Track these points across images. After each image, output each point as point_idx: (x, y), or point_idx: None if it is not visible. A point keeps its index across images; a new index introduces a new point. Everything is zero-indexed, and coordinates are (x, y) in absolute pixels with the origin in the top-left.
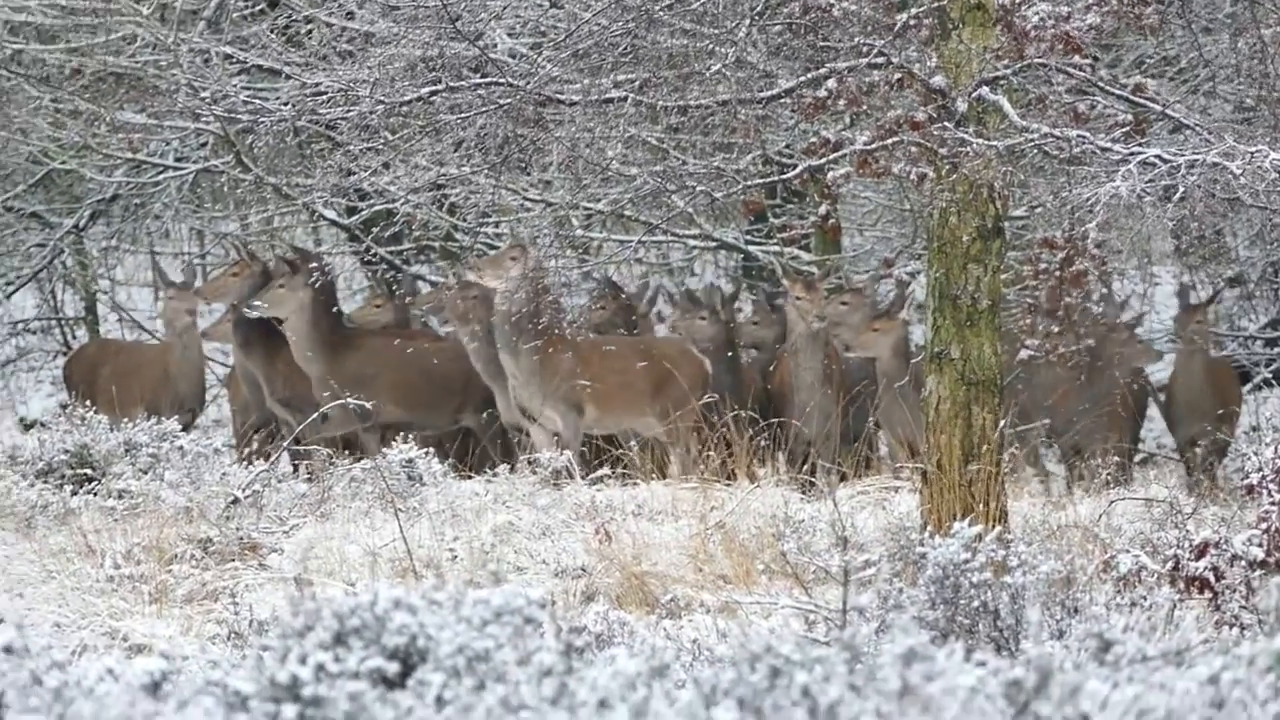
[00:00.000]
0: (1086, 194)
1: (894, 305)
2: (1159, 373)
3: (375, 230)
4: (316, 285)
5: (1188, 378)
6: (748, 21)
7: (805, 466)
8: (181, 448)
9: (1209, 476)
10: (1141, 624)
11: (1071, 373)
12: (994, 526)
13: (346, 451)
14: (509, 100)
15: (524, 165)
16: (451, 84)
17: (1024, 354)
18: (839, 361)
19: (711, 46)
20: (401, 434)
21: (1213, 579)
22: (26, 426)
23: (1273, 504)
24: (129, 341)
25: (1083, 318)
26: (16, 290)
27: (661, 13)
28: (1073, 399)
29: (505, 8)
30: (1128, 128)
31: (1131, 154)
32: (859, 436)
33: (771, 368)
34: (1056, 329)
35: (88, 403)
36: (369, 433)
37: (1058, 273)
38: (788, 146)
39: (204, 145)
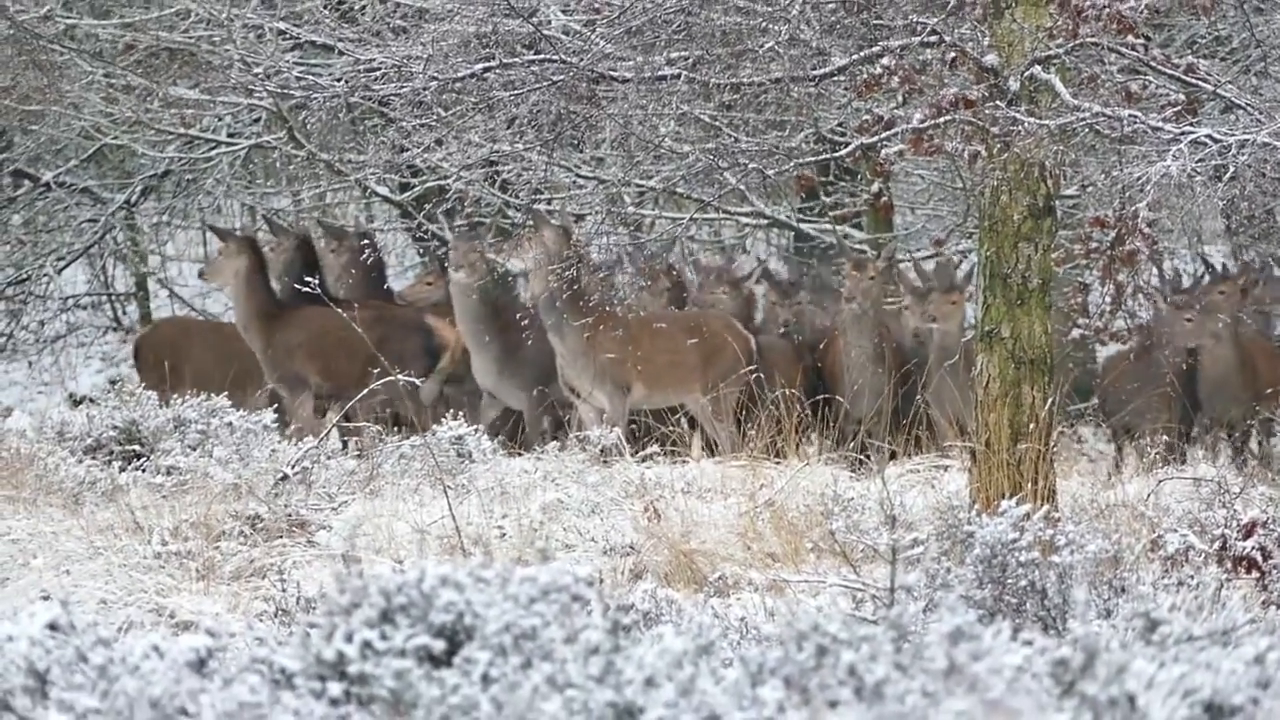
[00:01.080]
0: (1137, 173)
1: (964, 279)
2: None
3: (427, 207)
4: (273, 256)
5: (1213, 355)
6: None
7: (853, 444)
8: (230, 424)
9: (1260, 456)
10: (1188, 604)
11: (1123, 352)
12: (1042, 505)
13: (397, 428)
14: (562, 77)
15: (576, 142)
16: (505, 60)
17: (1075, 333)
18: (890, 340)
19: (764, 24)
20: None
21: (1260, 559)
22: (75, 402)
23: None
24: (209, 320)
25: (1137, 297)
26: (67, 265)
27: None
28: (1125, 379)
29: None
30: (1179, 107)
31: (1183, 133)
32: (909, 415)
33: (822, 345)
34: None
35: (165, 382)
36: (302, 401)
37: (1109, 252)
38: (840, 124)
39: (256, 121)
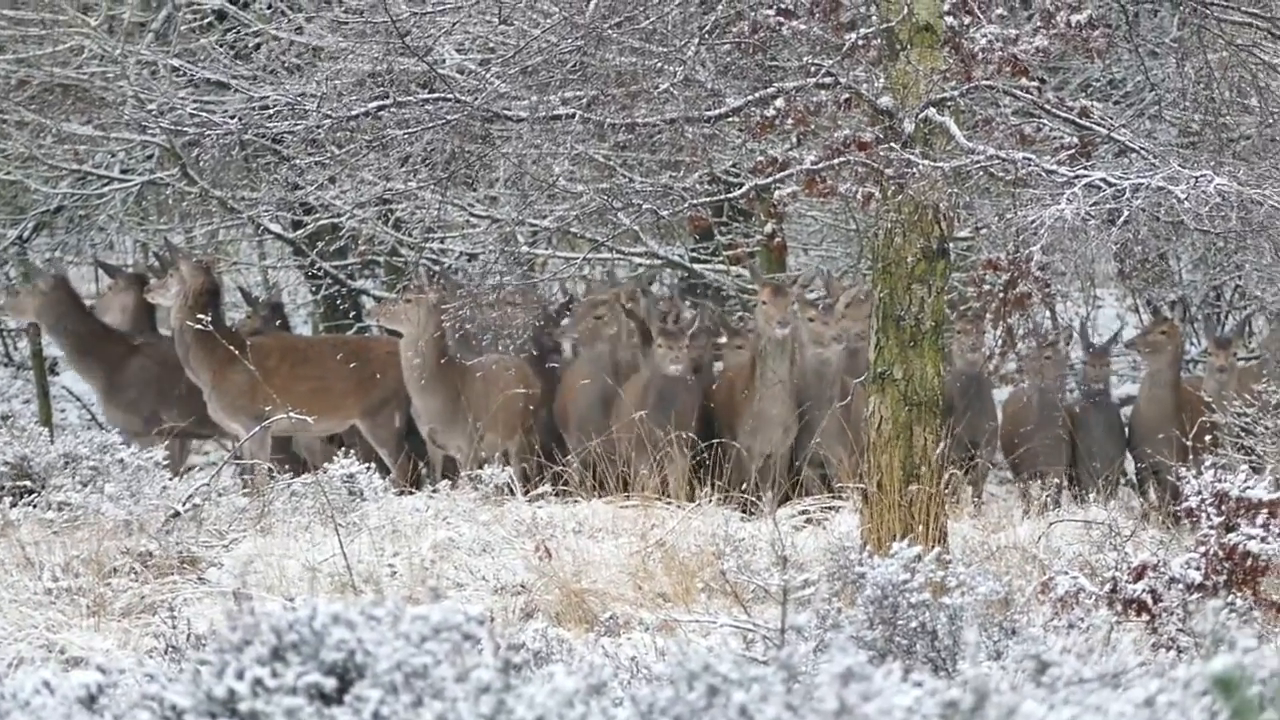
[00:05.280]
0: (1031, 216)
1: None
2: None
3: (320, 245)
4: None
5: (1150, 396)
6: (696, 40)
7: (751, 484)
8: (122, 460)
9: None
10: (1079, 646)
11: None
12: (933, 547)
13: (287, 467)
14: (456, 116)
15: (470, 181)
16: (399, 99)
17: (959, 364)
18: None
19: (660, 65)
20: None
21: (1150, 601)
22: None
23: (1211, 527)
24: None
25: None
26: None
27: (610, 31)
28: (1020, 420)
29: (455, 24)
30: (1073, 150)
31: (1077, 177)
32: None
33: (714, 385)
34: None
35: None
36: (157, 436)
37: (1002, 295)
38: (734, 165)
39: (150, 158)
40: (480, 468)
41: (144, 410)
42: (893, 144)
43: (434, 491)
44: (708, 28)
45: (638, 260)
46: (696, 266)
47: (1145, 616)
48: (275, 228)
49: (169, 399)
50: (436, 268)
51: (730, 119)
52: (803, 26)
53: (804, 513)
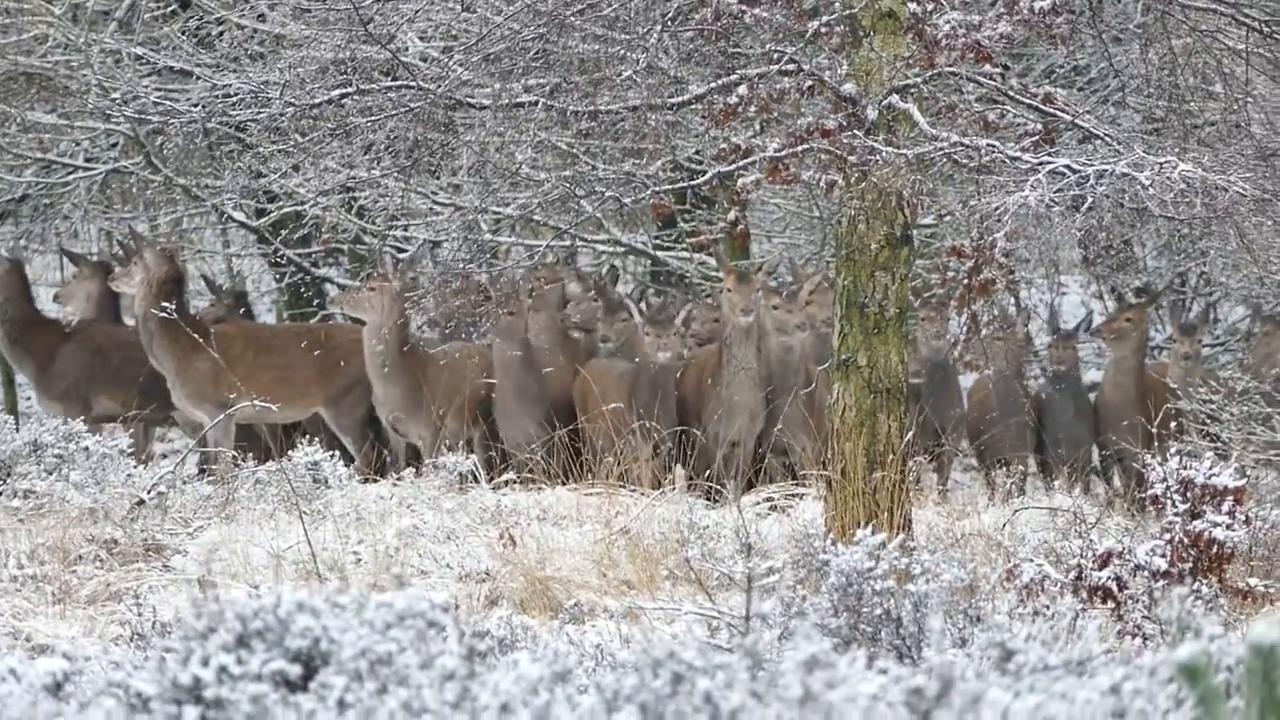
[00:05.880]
0: (995, 203)
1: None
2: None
3: (284, 233)
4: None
5: (1114, 383)
6: (659, 27)
7: (710, 473)
8: (87, 448)
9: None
10: (1044, 633)
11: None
12: (898, 534)
13: (251, 455)
14: (419, 104)
15: (433, 169)
16: (362, 87)
17: (924, 351)
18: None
19: (623, 52)
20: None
21: (1115, 589)
22: None
23: (1176, 515)
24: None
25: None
26: None
27: (573, 18)
28: (985, 407)
29: (417, 11)
30: (1037, 137)
31: (1041, 163)
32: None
33: (679, 374)
34: (964, 338)
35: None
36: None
37: (966, 281)
38: (697, 152)
39: (114, 146)
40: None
41: (76, 399)
42: (856, 131)
43: (398, 479)
44: (670, 15)
45: (601, 248)
46: (660, 254)
47: (1111, 604)
48: (239, 216)
49: (100, 386)
50: (401, 255)
51: (693, 106)
52: (765, 13)
53: (768, 500)
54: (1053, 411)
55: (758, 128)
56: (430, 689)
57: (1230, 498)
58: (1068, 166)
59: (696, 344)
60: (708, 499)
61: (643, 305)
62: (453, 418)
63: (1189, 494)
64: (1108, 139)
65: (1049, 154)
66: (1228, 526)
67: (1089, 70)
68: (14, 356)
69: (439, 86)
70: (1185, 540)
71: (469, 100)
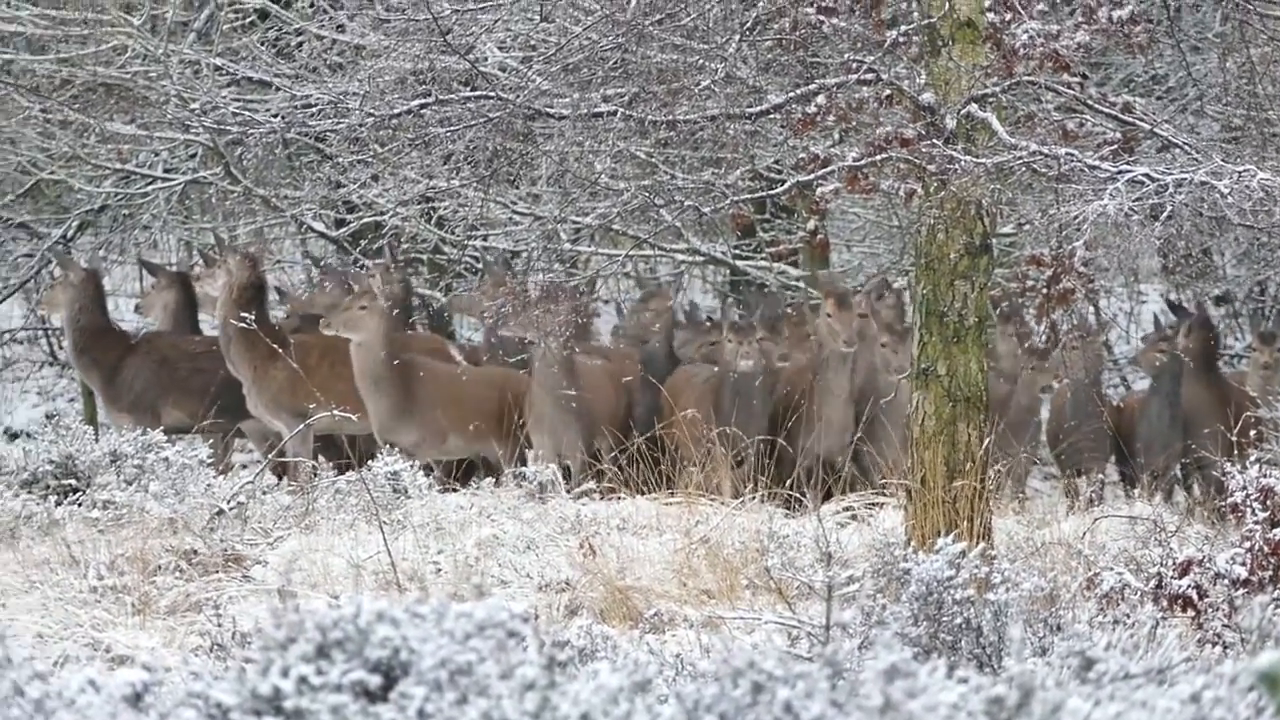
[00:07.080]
0: (1074, 212)
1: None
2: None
3: (364, 243)
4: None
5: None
6: (737, 37)
7: (790, 482)
8: (166, 459)
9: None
10: (1124, 642)
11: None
12: (978, 543)
13: (331, 464)
14: (498, 114)
15: (513, 178)
16: (441, 97)
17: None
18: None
19: (701, 62)
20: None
21: (1195, 597)
22: (11, 437)
23: (1256, 523)
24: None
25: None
26: (4, 300)
27: (652, 28)
28: (1063, 415)
29: (496, 21)
30: (1116, 146)
31: (1119, 172)
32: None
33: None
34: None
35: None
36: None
37: (1045, 290)
38: (776, 162)
39: (193, 156)
40: (438, 467)
41: (144, 410)
42: (935, 140)
43: (477, 489)
44: (749, 24)
45: (680, 257)
46: (739, 263)
47: (1191, 612)
48: (318, 226)
49: (168, 397)
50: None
51: (772, 116)
52: (844, 23)
53: (848, 509)
54: (1147, 414)
55: (836, 137)
56: (510, 699)
57: None
58: (1147, 175)
59: (780, 358)
60: (787, 508)
61: (718, 314)
62: (454, 431)
63: (1269, 502)
64: (1186, 148)
65: (1128, 163)
66: None
67: (1167, 79)
68: (81, 366)
69: (518, 96)
70: (1265, 548)
71: (548, 110)
